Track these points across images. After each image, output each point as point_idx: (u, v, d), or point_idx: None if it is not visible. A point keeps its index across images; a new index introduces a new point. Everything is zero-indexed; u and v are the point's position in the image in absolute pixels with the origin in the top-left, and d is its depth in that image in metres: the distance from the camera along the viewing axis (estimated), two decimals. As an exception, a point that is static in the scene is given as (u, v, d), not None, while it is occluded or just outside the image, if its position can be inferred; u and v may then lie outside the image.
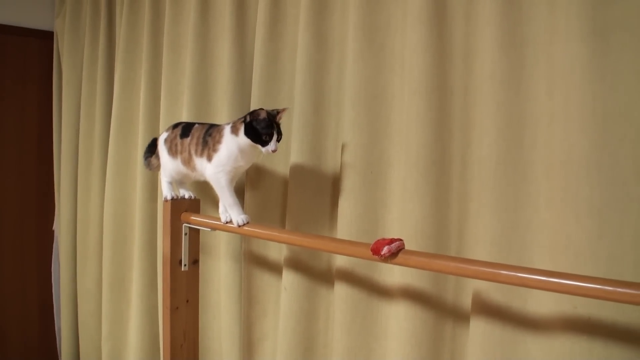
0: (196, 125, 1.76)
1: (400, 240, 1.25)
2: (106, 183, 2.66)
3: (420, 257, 1.21)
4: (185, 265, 1.79)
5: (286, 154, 1.92)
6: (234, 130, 1.61)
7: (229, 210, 1.67)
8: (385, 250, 1.23)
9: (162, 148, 1.84)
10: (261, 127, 1.55)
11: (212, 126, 1.71)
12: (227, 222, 1.69)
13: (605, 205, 1.21)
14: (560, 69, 1.31)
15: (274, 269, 1.99)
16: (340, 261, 1.69)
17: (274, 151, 1.56)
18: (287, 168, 1.90)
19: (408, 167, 1.56)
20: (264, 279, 2.01)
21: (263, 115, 1.55)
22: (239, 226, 1.62)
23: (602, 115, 1.22)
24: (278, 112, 1.60)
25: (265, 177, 1.91)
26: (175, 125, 1.83)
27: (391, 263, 1.24)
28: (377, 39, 1.69)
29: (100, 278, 2.81)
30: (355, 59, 1.69)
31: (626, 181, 1.19)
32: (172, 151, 1.79)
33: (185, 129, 1.77)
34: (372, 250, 1.25)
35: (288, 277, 1.83)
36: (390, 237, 1.35)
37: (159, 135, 1.88)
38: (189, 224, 1.79)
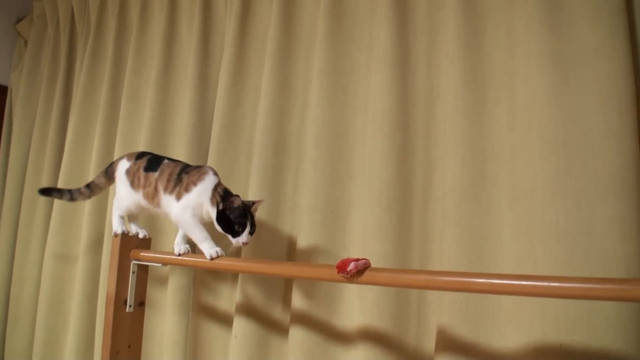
0: (166, 161, 1.65)
1: (366, 259, 1.20)
2: (48, 236, 2.52)
3: (388, 273, 1.15)
4: (130, 306, 1.67)
5: (244, 196, 1.87)
6: (213, 199, 1.52)
7: (200, 246, 1.53)
8: (351, 266, 1.17)
9: (122, 179, 1.71)
10: (234, 216, 1.48)
11: (191, 166, 1.62)
12: (179, 255, 1.59)
13: (572, 229, 1.21)
14: (521, 103, 1.36)
15: (225, 318, 1.87)
16: (297, 303, 1.61)
17: (244, 244, 1.49)
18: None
19: (370, 205, 1.53)
20: (213, 329, 1.89)
21: (238, 203, 1.48)
22: (212, 259, 1.50)
23: (563, 143, 1.25)
24: (253, 202, 1.53)
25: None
26: (139, 156, 1.72)
27: (357, 282, 1.18)
28: (341, 82, 1.72)
29: (32, 339, 2.59)
30: (318, 101, 1.70)
31: (591, 204, 1.20)
32: (134, 184, 1.67)
33: (151, 162, 1.66)
34: (338, 267, 1.19)
35: (239, 324, 1.72)
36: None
37: (117, 163, 1.77)
38: (138, 261, 1.68)
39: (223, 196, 1.51)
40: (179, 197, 1.55)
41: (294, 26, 1.91)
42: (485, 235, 1.36)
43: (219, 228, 1.50)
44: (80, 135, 2.56)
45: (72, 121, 2.60)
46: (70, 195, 1.85)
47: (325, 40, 1.74)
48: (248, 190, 1.81)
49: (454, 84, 1.46)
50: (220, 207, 1.50)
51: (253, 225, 1.51)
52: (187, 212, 1.53)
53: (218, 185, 1.55)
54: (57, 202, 2.51)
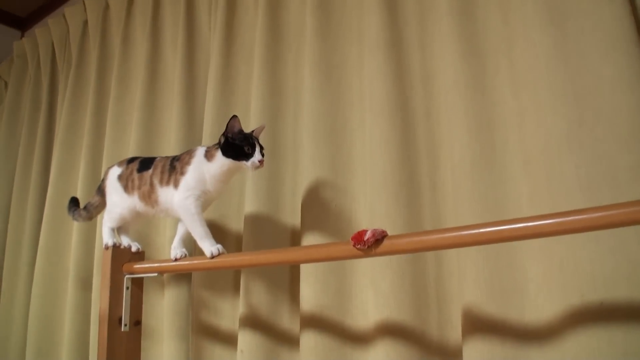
0: (158, 158, 1.59)
1: (383, 229, 1.11)
2: (34, 276, 2.39)
3: (410, 238, 1.06)
4: (125, 325, 1.54)
5: (239, 204, 1.79)
6: (209, 156, 1.46)
7: (200, 243, 1.43)
8: (369, 234, 1.07)
9: (114, 186, 1.62)
10: (240, 139, 1.41)
11: (181, 154, 1.56)
12: (176, 259, 1.49)
13: (595, 181, 1.14)
14: (523, 65, 1.31)
15: (228, 336, 1.75)
16: (305, 306, 1.49)
17: (260, 162, 1.40)
18: (241, 219, 1.75)
19: (376, 192, 1.45)
20: (216, 350, 1.75)
21: (237, 126, 1.42)
22: (213, 257, 1.39)
23: (573, 96, 1.20)
24: (253, 130, 1.48)
25: (214, 231, 1.74)
26: (131, 160, 1.65)
27: (376, 254, 1.09)
28: (334, 76, 1.67)
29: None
30: (312, 97, 1.64)
31: (611, 152, 1.13)
32: (128, 188, 1.59)
33: (143, 163, 1.59)
34: (353, 239, 1.09)
35: (245, 338, 1.59)
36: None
37: (107, 172, 1.69)
38: (132, 274, 1.57)
39: (217, 143, 1.45)
40: (176, 185, 1.46)
41: (281, 28, 1.87)
42: (502, 205, 1.28)
43: (229, 163, 1.42)
44: (65, 169, 2.49)
45: (56, 154, 2.53)
46: (73, 213, 1.76)
47: (314, 36, 1.69)
48: (244, 196, 1.72)
49: (451, 59, 1.41)
50: (222, 140, 1.43)
51: (261, 147, 1.43)
52: (190, 198, 1.44)
53: (209, 147, 1.49)
54: (42, 239, 2.42)
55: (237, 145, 1.41)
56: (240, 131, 1.43)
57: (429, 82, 1.51)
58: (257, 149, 1.41)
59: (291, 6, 1.88)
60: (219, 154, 1.44)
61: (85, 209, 1.73)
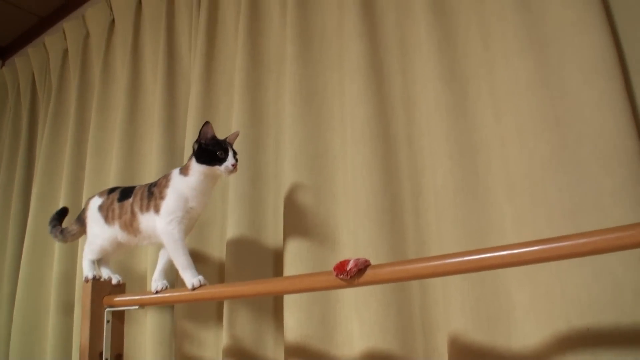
0: (138, 186, 1.56)
1: (366, 258, 1.09)
2: (15, 308, 2.35)
3: (392, 267, 1.04)
4: (106, 359, 1.50)
5: (222, 230, 1.77)
6: (184, 170, 1.45)
7: (182, 273, 1.39)
8: (351, 264, 1.05)
9: (94, 217, 1.59)
10: (212, 145, 1.40)
11: (158, 179, 1.53)
12: (157, 292, 1.46)
13: (579, 205, 1.13)
14: (504, 89, 1.31)
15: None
16: (289, 337, 1.47)
17: (234, 166, 1.39)
18: (223, 247, 1.73)
19: (359, 219, 1.44)
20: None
21: (210, 132, 1.41)
22: (194, 288, 1.36)
23: (555, 120, 1.20)
24: (227, 137, 1.47)
25: (196, 259, 1.71)
26: (111, 190, 1.62)
27: (359, 284, 1.06)
28: (315, 102, 1.66)
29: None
30: (293, 123, 1.63)
31: (594, 176, 1.13)
32: (109, 218, 1.56)
33: (124, 192, 1.57)
34: (336, 269, 1.07)
35: (228, 371, 1.57)
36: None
37: (88, 202, 1.66)
38: (113, 307, 1.53)
39: (191, 154, 1.45)
40: (157, 210, 1.43)
41: (261, 55, 1.86)
42: (486, 230, 1.27)
43: (203, 169, 1.41)
44: (45, 199, 2.47)
45: (36, 184, 2.51)
46: (53, 227, 1.72)
47: (294, 63, 1.69)
48: (227, 222, 1.70)
49: (432, 84, 1.41)
50: (195, 147, 1.42)
51: (235, 152, 1.43)
52: (173, 222, 1.41)
53: (183, 165, 1.48)
54: (23, 270, 2.38)
55: (210, 150, 1.40)
56: (213, 137, 1.43)
57: (410, 107, 1.51)
58: (230, 153, 1.41)
59: (271, 33, 1.88)
60: (193, 163, 1.43)
61: (62, 232, 1.70)
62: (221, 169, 1.39)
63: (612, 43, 1.19)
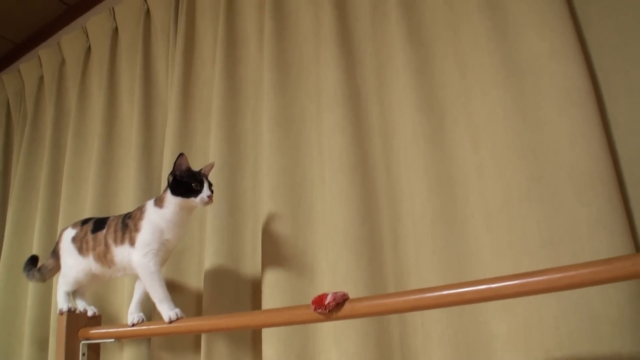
0: (112, 217, 1.55)
1: (344, 291, 1.08)
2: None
3: (371, 301, 1.03)
4: (81, 395, 1.47)
5: (200, 260, 1.75)
6: (159, 202, 1.43)
7: (159, 306, 1.37)
8: (329, 298, 1.05)
9: (68, 249, 1.57)
10: (188, 176, 1.40)
11: (132, 211, 1.52)
12: (134, 325, 1.43)
13: (556, 235, 1.14)
14: (481, 119, 1.32)
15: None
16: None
17: (209, 198, 1.38)
18: (201, 278, 1.71)
19: (338, 249, 1.42)
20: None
21: (185, 164, 1.41)
22: (171, 322, 1.34)
23: (531, 150, 1.21)
24: (202, 168, 1.46)
25: (173, 289, 1.69)
26: (85, 221, 1.60)
27: (337, 318, 1.05)
28: (293, 130, 1.65)
29: None
30: (271, 152, 1.62)
31: (571, 206, 1.14)
32: (83, 249, 1.54)
33: (97, 223, 1.55)
34: (314, 303, 1.06)
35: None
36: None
37: (61, 234, 1.63)
38: (88, 340, 1.50)
39: (166, 186, 1.44)
40: (132, 243, 1.41)
41: (239, 83, 1.86)
42: (464, 260, 1.27)
43: (178, 201, 1.40)
44: (20, 226, 2.43)
45: (11, 212, 2.47)
46: (28, 272, 1.69)
47: (272, 91, 1.68)
48: (204, 253, 1.68)
49: (409, 113, 1.42)
50: (170, 179, 1.41)
51: (210, 184, 1.42)
52: (149, 255, 1.39)
53: (158, 197, 1.47)
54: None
55: (185, 182, 1.39)
56: (188, 169, 1.42)
57: (388, 136, 1.51)
58: (206, 185, 1.40)
59: (248, 61, 1.88)
60: (168, 195, 1.42)
61: (39, 271, 1.67)
62: (196, 200, 1.38)
63: (587, 73, 1.21)
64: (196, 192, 1.38)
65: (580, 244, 1.11)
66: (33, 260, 1.73)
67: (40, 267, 1.67)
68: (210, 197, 1.39)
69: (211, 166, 1.50)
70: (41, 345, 2.13)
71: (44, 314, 2.17)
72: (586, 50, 1.27)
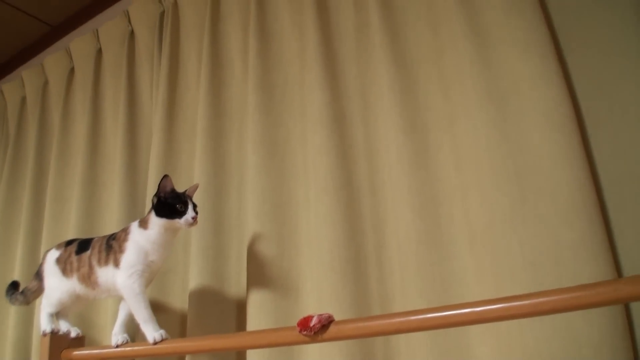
0: (96, 238, 1.54)
1: (329, 313, 1.09)
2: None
3: (356, 323, 1.04)
4: (64, 420, 1.45)
5: (184, 280, 1.74)
6: (143, 224, 1.43)
7: (143, 327, 1.37)
8: (315, 320, 1.05)
9: (51, 270, 1.56)
10: (172, 197, 1.40)
11: (116, 232, 1.52)
12: (117, 346, 1.42)
13: (538, 257, 1.15)
14: (465, 142, 1.34)
15: None
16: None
17: (194, 219, 1.39)
18: (185, 298, 1.70)
19: (322, 270, 1.43)
20: None
21: (169, 186, 1.41)
22: (156, 343, 1.33)
23: (515, 173, 1.23)
24: (186, 190, 1.47)
25: (157, 310, 1.68)
26: (69, 242, 1.59)
27: (323, 340, 1.06)
28: (278, 152, 1.66)
29: None
30: (256, 173, 1.63)
31: (553, 229, 1.15)
32: (67, 271, 1.53)
33: (82, 244, 1.54)
34: (299, 325, 1.06)
35: None
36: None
37: (45, 255, 1.63)
38: (72, 362, 1.49)
39: (150, 208, 1.44)
40: (117, 264, 1.41)
41: (223, 104, 1.87)
42: (449, 282, 1.28)
43: (162, 222, 1.40)
44: (2, 248, 2.41)
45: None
46: (10, 297, 1.68)
47: (257, 113, 1.69)
48: (189, 273, 1.67)
49: (393, 136, 1.43)
50: (155, 200, 1.42)
51: (194, 205, 1.43)
52: (133, 276, 1.39)
53: (142, 218, 1.47)
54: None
55: (169, 204, 1.40)
56: (173, 190, 1.43)
57: (373, 157, 1.52)
58: (190, 206, 1.40)
59: (232, 83, 1.89)
60: (152, 217, 1.42)
61: (23, 294, 1.66)
62: (181, 222, 1.39)
63: (569, 97, 1.23)
64: (180, 214, 1.39)
65: (562, 267, 1.12)
66: (14, 285, 1.71)
67: (24, 289, 1.65)
68: (194, 219, 1.40)
69: (195, 187, 1.51)
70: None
71: (26, 336, 2.14)
72: (568, 74, 1.29)
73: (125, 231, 1.46)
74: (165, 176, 1.42)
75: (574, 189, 1.15)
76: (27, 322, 2.16)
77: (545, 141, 1.21)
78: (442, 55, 1.45)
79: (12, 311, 2.19)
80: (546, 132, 1.21)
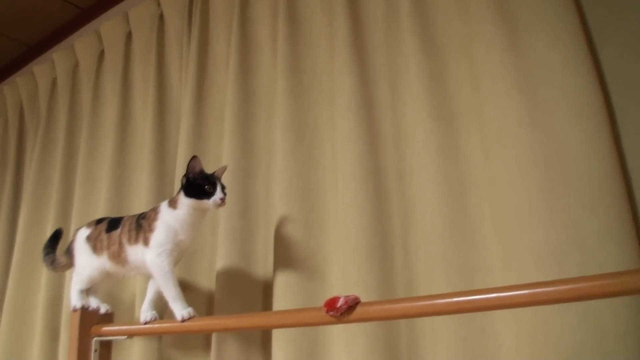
0: (126, 217, 1.58)
1: (356, 295, 1.10)
2: (1, 323, 2.34)
3: (382, 305, 1.06)
4: (93, 391, 1.50)
5: (211, 261, 1.77)
6: (172, 204, 1.46)
7: (172, 305, 1.40)
8: (341, 301, 1.07)
9: (82, 248, 1.61)
10: (201, 179, 1.42)
11: (145, 211, 1.55)
12: (146, 323, 1.46)
13: (565, 247, 1.15)
14: (493, 130, 1.34)
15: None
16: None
17: (222, 200, 1.41)
18: (212, 279, 1.73)
19: (349, 255, 1.45)
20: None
21: (198, 167, 1.43)
22: (184, 320, 1.37)
23: (542, 161, 1.23)
24: (215, 171, 1.49)
25: (185, 289, 1.71)
26: (99, 221, 1.63)
27: (348, 321, 1.08)
28: (306, 136, 1.68)
29: None
30: (284, 157, 1.65)
31: (580, 218, 1.15)
32: (97, 248, 1.57)
33: (112, 223, 1.58)
34: (326, 306, 1.09)
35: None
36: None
37: (75, 233, 1.67)
38: (101, 337, 1.53)
39: (180, 188, 1.46)
40: (147, 243, 1.44)
41: (252, 88, 1.88)
42: (474, 269, 1.29)
43: (191, 203, 1.43)
44: (32, 227, 2.46)
45: (24, 212, 2.50)
46: (46, 255, 1.73)
47: (285, 97, 1.71)
48: (216, 254, 1.71)
49: (422, 123, 1.44)
50: (184, 181, 1.45)
51: (223, 187, 1.45)
52: (162, 255, 1.42)
53: (171, 198, 1.50)
54: (8, 299, 2.37)
55: (198, 184, 1.42)
56: (201, 171, 1.45)
57: (401, 144, 1.53)
58: (219, 187, 1.42)
59: (262, 67, 1.91)
60: (181, 197, 1.45)
61: (53, 263, 1.72)
62: (209, 202, 1.41)
63: (599, 86, 1.22)
64: (209, 195, 1.41)
65: (588, 256, 1.12)
66: (56, 237, 1.77)
67: (54, 259, 1.71)
68: (222, 200, 1.42)
69: (224, 169, 1.53)
70: (53, 335, 2.17)
71: (56, 309, 2.20)
72: (598, 62, 1.29)
73: (155, 210, 1.49)
74: (194, 157, 1.44)
75: (602, 178, 1.15)
76: (57, 298, 2.21)
77: (574, 130, 1.21)
78: (472, 43, 1.44)
79: (42, 288, 2.25)
80: (575, 121, 1.21)
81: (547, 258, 1.16)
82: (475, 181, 1.36)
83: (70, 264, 1.66)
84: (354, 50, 1.63)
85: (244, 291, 1.65)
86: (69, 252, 1.66)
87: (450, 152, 1.39)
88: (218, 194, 1.42)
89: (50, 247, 1.74)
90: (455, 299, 0.97)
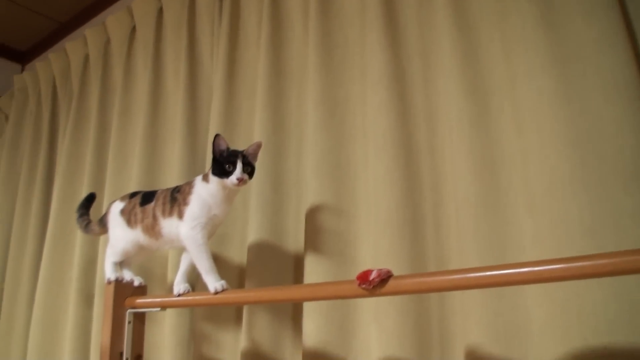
0: (160, 190, 1.60)
1: (388, 268, 1.11)
2: (34, 307, 2.40)
3: (415, 279, 1.07)
4: (127, 359, 1.54)
5: (243, 235, 1.79)
6: (205, 179, 1.48)
7: (205, 277, 1.41)
8: (374, 274, 1.08)
9: (116, 221, 1.63)
10: (223, 157, 1.42)
11: (180, 185, 1.56)
12: (180, 295, 1.49)
13: (598, 223, 1.14)
14: (526, 105, 1.32)
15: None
16: (308, 342, 1.49)
17: (239, 180, 1.40)
18: (244, 252, 1.76)
19: (380, 229, 1.46)
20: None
21: (223, 144, 1.44)
22: (217, 293, 1.38)
23: (576, 137, 1.22)
24: (244, 149, 1.48)
25: (216, 262, 1.74)
26: (133, 195, 1.65)
27: (381, 294, 1.09)
28: (337, 112, 1.68)
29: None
30: (315, 132, 1.66)
31: (614, 195, 1.14)
32: (131, 222, 1.59)
33: (146, 196, 1.60)
34: (359, 278, 1.10)
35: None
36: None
37: (110, 206, 1.70)
38: (134, 309, 1.56)
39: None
40: (181, 216, 1.46)
41: (284, 63, 1.89)
42: (506, 245, 1.29)
43: (218, 180, 1.43)
44: (66, 201, 2.51)
45: (57, 186, 2.55)
46: (81, 216, 1.78)
47: (317, 72, 1.71)
48: (248, 227, 1.73)
49: (454, 98, 1.43)
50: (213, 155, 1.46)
51: (248, 164, 1.44)
52: (197, 227, 1.44)
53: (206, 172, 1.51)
54: (45, 261, 2.43)
55: (220, 163, 1.43)
56: (227, 149, 1.45)
57: (433, 118, 1.52)
58: (239, 167, 1.41)
59: (293, 42, 1.91)
60: (210, 174, 1.46)
61: (86, 227, 1.76)
62: (227, 182, 1.42)
63: (634, 62, 1.20)
64: (228, 174, 1.41)
65: (622, 233, 1.11)
66: (90, 200, 1.83)
67: (89, 224, 1.75)
68: (240, 180, 1.41)
69: (257, 145, 1.51)
70: (87, 301, 2.23)
71: (90, 279, 2.27)
72: (634, 39, 1.27)
73: (189, 184, 1.51)
74: (217, 135, 1.44)
75: (636, 155, 1.14)
76: (91, 270, 2.26)
77: (609, 106, 1.20)
78: (505, 17, 1.43)
79: (76, 260, 2.30)
80: (609, 96, 1.20)
81: (580, 235, 1.16)
82: (508, 156, 1.35)
83: (102, 232, 1.71)
84: (386, 24, 1.62)
85: (275, 265, 1.67)
86: (103, 222, 1.69)
87: (482, 127, 1.39)
88: (235, 174, 1.41)
89: (84, 208, 1.79)
90: (488, 273, 0.97)
